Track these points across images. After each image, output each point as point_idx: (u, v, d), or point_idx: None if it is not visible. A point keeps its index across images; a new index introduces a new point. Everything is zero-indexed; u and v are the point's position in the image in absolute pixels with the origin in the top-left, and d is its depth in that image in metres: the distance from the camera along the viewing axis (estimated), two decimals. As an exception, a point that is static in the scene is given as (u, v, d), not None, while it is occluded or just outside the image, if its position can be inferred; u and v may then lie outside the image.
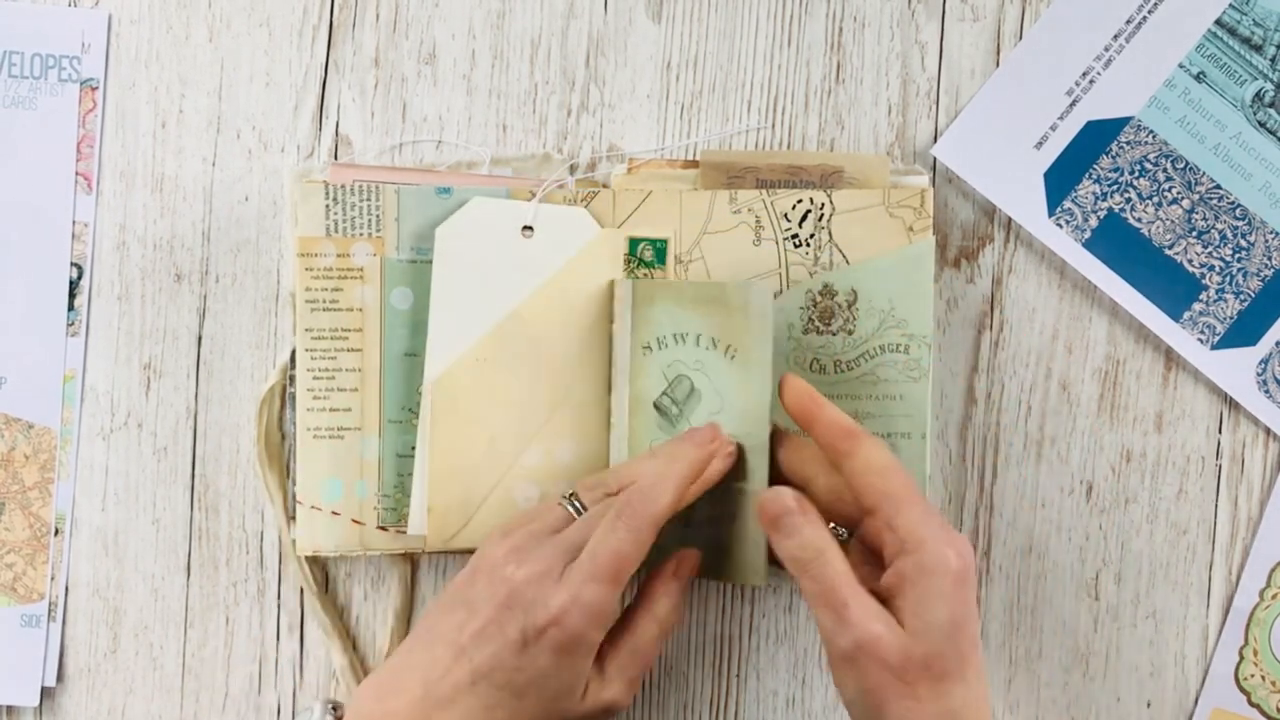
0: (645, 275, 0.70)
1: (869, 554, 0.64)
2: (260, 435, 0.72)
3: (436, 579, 0.74)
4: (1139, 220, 0.73)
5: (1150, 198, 0.73)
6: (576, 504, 0.66)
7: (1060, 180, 0.73)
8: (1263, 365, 0.73)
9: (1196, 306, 0.73)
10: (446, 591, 0.65)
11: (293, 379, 0.72)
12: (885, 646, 0.58)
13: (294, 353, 0.71)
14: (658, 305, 0.69)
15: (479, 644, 0.62)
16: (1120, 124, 0.73)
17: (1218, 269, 0.73)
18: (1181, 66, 0.72)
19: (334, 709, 0.69)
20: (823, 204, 0.70)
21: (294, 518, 0.71)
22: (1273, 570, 0.74)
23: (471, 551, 0.67)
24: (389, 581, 0.73)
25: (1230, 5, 0.72)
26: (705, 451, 0.66)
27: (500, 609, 0.62)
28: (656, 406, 0.69)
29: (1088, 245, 0.73)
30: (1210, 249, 0.73)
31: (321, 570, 0.74)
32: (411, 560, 0.74)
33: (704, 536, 0.69)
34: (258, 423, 0.72)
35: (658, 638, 0.66)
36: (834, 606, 0.59)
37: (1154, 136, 0.73)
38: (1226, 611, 0.74)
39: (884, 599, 0.60)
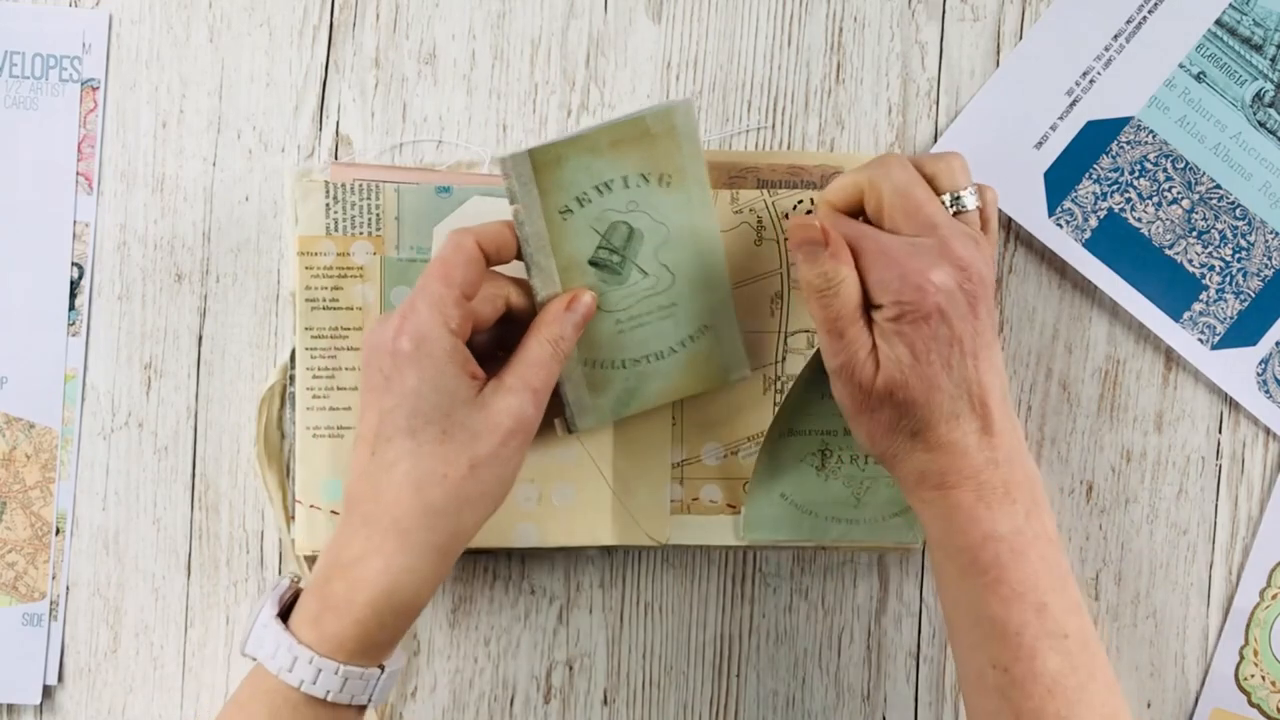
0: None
1: None
2: (260, 435, 0.72)
3: (436, 578, 0.74)
4: (1139, 220, 0.73)
5: (1150, 198, 0.73)
6: None
7: (1060, 180, 0.73)
8: (1263, 365, 0.73)
9: (1196, 306, 0.73)
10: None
11: (293, 378, 0.72)
12: (859, 369, 0.62)
13: (294, 352, 0.71)
14: (569, 164, 0.65)
15: (363, 418, 0.63)
16: (1120, 124, 0.73)
17: (1218, 269, 0.73)
18: (1181, 66, 0.72)
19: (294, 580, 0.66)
20: None
21: (294, 517, 0.72)
22: (1273, 570, 0.74)
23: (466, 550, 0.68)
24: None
25: (1230, 5, 0.72)
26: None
27: (364, 376, 0.63)
28: (594, 264, 0.67)
29: (1088, 245, 0.73)
30: (1210, 249, 0.73)
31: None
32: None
33: (672, 363, 0.69)
34: (257, 422, 0.72)
35: (552, 356, 0.64)
36: (833, 332, 0.63)
37: (1154, 136, 0.73)
38: (1226, 611, 0.74)
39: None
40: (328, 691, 0.60)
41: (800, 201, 0.70)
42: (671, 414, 0.72)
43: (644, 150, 0.65)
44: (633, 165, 0.66)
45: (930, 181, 0.64)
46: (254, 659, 0.61)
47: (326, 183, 0.70)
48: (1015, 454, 0.62)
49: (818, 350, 0.65)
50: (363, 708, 0.62)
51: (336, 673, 0.60)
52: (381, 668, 0.62)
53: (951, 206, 0.63)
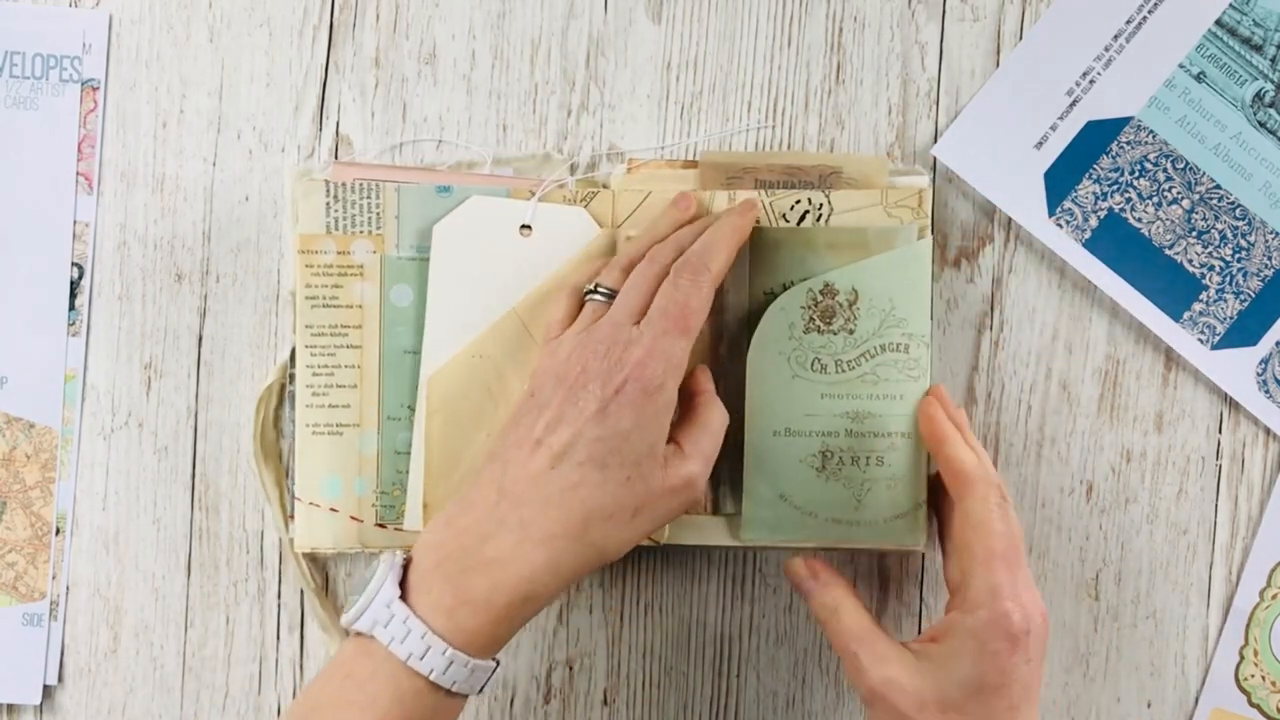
0: None
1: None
2: (257, 432, 0.72)
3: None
4: (1139, 220, 0.73)
5: (1150, 198, 0.73)
6: (603, 290, 0.67)
7: (1060, 180, 0.73)
8: (1263, 365, 0.73)
9: (1196, 306, 0.73)
10: (509, 418, 0.65)
11: (292, 377, 0.72)
12: (896, 690, 0.62)
13: (294, 350, 0.72)
14: (784, 251, 0.70)
15: (554, 430, 0.62)
16: (1120, 124, 0.73)
17: (1218, 269, 0.73)
18: (1181, 66, 0.72)
19: (406, 561, 0.65)
20: (821, 204, 0.70)
21: (292, 515, 0.72)
22: (1273, 570, 0.74)
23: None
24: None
25: (1230, 5, 0.72)
26: (743, 214, 0.69)
27: (571, 391, 0.63)
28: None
29: (1088, 245, 0.73)
30: (1210, 249, 0.73)
31: (321, 570, 0.74)
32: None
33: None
34: (255, 420, 0.72)
35: (721, 420, 0.67)
36: (847, 657, 0.64)
37: (1154, 136, 0.73)
38: (1226, 611, 0.74)
39: (932, 639, 0.64)
40: (454, 682, 0.61)
41: (798, 201, 0.70)
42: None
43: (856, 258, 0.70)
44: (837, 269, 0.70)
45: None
46: (368, 635, 0.61)
47: (327, 181, 0.70)
48: None
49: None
50: (467, 696, 0.63)
51: (466, 665, 0.61)
52: (497, 661, 0.63)
53: None
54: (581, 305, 0.68)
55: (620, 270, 0.67)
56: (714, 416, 0.66)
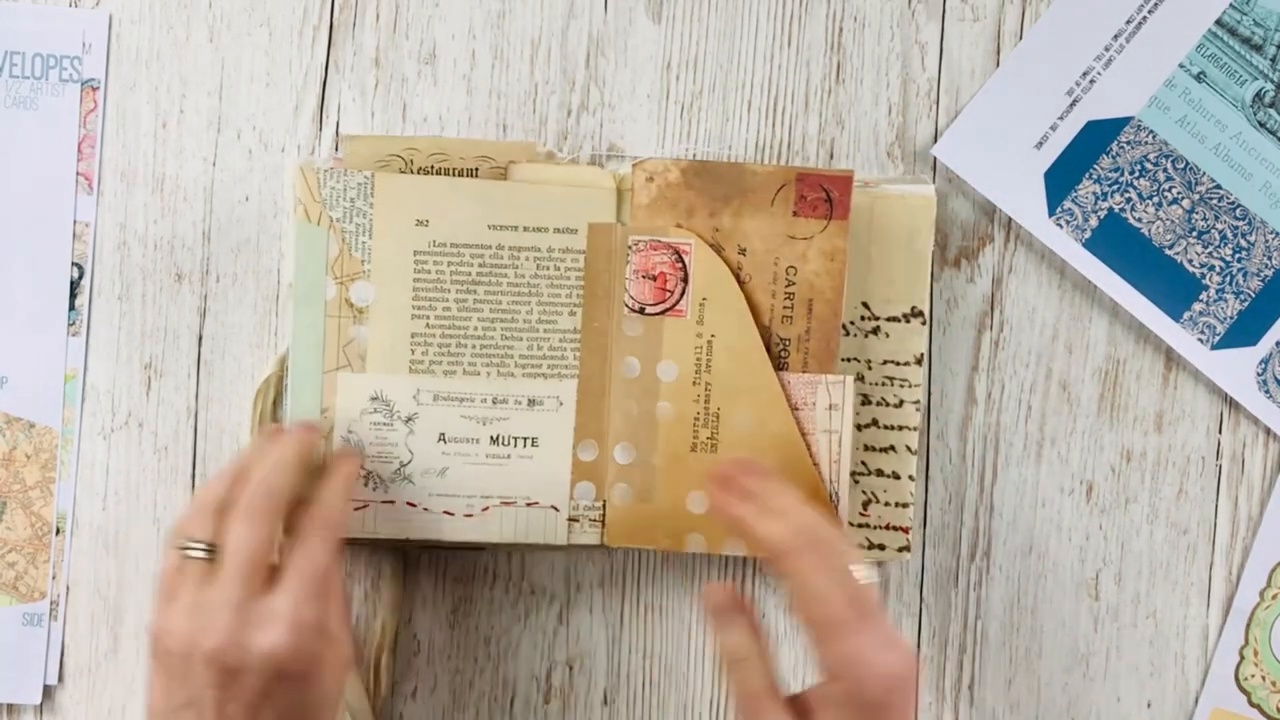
0: None
1: None
2: (254, 426, 0.72)
3: (433, 575, 0.74)
4: (1139, 220, 0.73)
5: (1150, 198, 0.73)
6: (200, 546, 0.61)
7: (1060, 180, 0.73)
8: (1263, 365, 0.73)
9: (1196, 306, 0.73)
10: (152, 711, 0.60)
11: (288, 370, 0.72)
12: None
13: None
14: None
15: None
16: (1120, 124, 0.73)
17: (1218, 269, 0.73)
18: (1182, 66, 0.72)
19: None
20: None
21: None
22: (1273, 570, 0.74)
23: (479, 546, 0.69)
24: (386, 578, 0.73)
25: (1230, 5, 0.72)
26: (306, 437, 0.66)
27: (220, 685, 0.58)
28: None
29: (1088, 245, 0.73)
30: (1210, 249, 0.73)
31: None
32: (404, 554, 0.74)
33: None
34: (252, 414, 0.72)
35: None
36: (749, 713, 0.61)
37: (1154, 136, 0.73)
38: (1226, 611, 0.74)
39: (808, 710, 0.61)
40: None
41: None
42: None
43: None
44: None
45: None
46: None
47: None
48: None
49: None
50: None
51: None
52: None
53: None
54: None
55: (202, 516, 0.62)
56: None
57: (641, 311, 0.69)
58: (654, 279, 0.69)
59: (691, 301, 0.68)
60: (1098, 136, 0.73)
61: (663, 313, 0.69)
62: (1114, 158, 0.73)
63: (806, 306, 0.68)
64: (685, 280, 0.68)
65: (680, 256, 0.68)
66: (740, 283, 0.68)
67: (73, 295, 0.73)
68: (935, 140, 0.73)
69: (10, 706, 0.74)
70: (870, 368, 0.71)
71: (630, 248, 0.69)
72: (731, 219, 0.68)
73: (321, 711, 0.60)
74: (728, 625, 0.63)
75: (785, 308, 0.68)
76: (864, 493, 0.71)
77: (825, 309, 0.68)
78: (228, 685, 0.58)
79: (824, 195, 0.68)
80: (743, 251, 0.68)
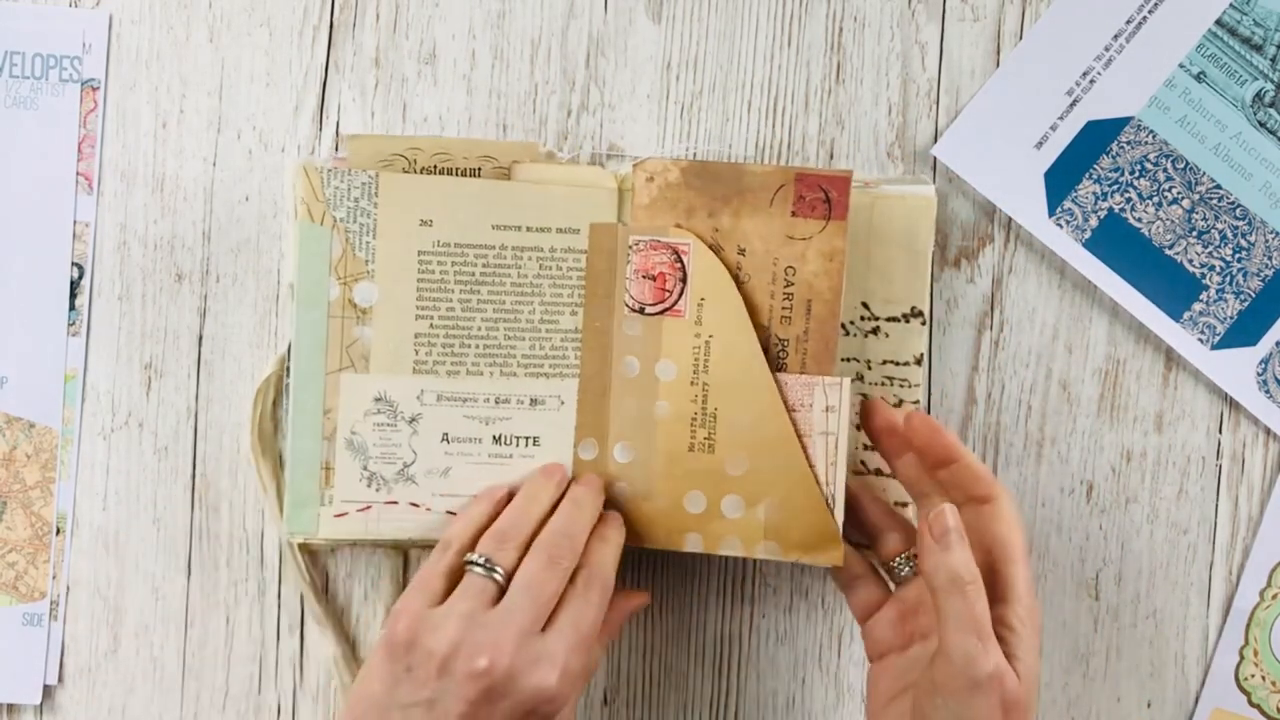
0: None
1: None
2: (254, 425, 0.72)
3: (436, 578, 0.74)
4: (1139, 220, 0.73)
5: (1150, 198, 0.73)
6: (494, 568, 0.64)
7: (1060, 180, 0.73)
8: (1263, 365, 0.73)
9: (1196, 306, 0.73)
10: (367, 699, 0.63)
11: (288, 370, 0.72)
12: (1010, 682, 0.60)
13: (290, 344, 0.71)
14: None
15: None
16: (1120, 124, 0.73)
17: (1218, 269, 0.73)
18: (1182, 66, 0.72)
19: None
20: None
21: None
22: (1273, 570, 0.74)
23: None
24: (385, 578, 0.74)
25: (1230, 5, 0.72)
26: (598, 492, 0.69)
27: (475, 703, 0.61)
28: None
29: (1088, 245, 0.73)
30: (1210, 249, 0.73)
31: (321, 570, 0.74)
32: (404, 555, 0.74)
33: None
34: (252, 413, 0.72)
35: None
36: (982, 634, 0.61)
37: (1154, 136, 0.73)
38: (1226, 611, 0.74)
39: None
40: None
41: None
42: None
43: None
44: None
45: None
46: None
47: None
48: None
49: None
50: None
51: None
52: None
53: None
54: (460, 566, 0.65)
55: (502, 543, 0.65)
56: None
57: (641, 311, 0.69)
58: (654, 279, 0.69)
59: (690, 302, 0.68)
60: (1098, 136, 0.73)
61: (662, 313, 0.69)
62: (1114, 158, 0.73)
63: (805, 307, 0.68)
64: (684, 280, 0.68)
65: (679, 257, 0.68)
66: (739, 283, 0.68)
67: (73, 295, 0.73)
68: (935, 140, 0.73)
69: (10, 706, 0.74)
70: (870, 368, 0.71)
71: (631, 248, 0.69)
72: (731, 219, 0.68)
73: None
74: (953, 545, 0.62)
75: (784, 308, 0.68)
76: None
77: (824, 309, 0.68)
78: (482, 705, 0.61)
79: (823, 195, 0.68)
80: (742, 252, 0.68)
